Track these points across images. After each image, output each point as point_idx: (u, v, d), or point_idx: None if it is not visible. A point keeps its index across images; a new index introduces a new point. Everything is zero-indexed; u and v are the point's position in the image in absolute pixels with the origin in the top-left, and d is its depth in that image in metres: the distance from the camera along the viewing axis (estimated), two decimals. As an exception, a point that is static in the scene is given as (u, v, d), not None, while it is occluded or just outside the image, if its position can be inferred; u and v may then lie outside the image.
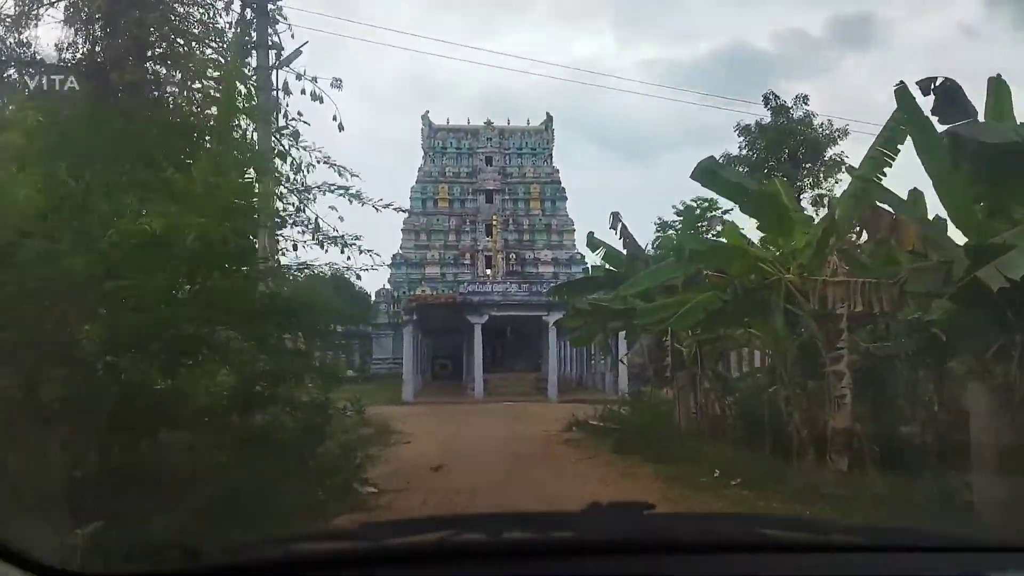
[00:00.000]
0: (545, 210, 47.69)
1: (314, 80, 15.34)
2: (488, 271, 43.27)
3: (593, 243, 13.44)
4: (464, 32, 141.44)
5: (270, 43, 13.53)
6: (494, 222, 46.26)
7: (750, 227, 10.12)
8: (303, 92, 15.22)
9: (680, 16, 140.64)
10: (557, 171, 48.71)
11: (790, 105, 23.54)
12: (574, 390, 30.96)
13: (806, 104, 23.68)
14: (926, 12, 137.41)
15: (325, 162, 13.21)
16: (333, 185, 11.46)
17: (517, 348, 34.32)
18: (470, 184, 47.94)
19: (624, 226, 13.09)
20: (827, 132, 22.87)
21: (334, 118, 15.54)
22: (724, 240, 9.67)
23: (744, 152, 22.78)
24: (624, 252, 13.62)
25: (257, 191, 9.90)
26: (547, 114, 49.80)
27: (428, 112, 49.35)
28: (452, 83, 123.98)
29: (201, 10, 13.82)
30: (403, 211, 14.54)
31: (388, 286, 46.67)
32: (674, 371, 11.16)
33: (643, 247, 13.36)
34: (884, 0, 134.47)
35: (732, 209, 13.76)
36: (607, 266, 13.08)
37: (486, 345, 28.71)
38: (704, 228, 20.03)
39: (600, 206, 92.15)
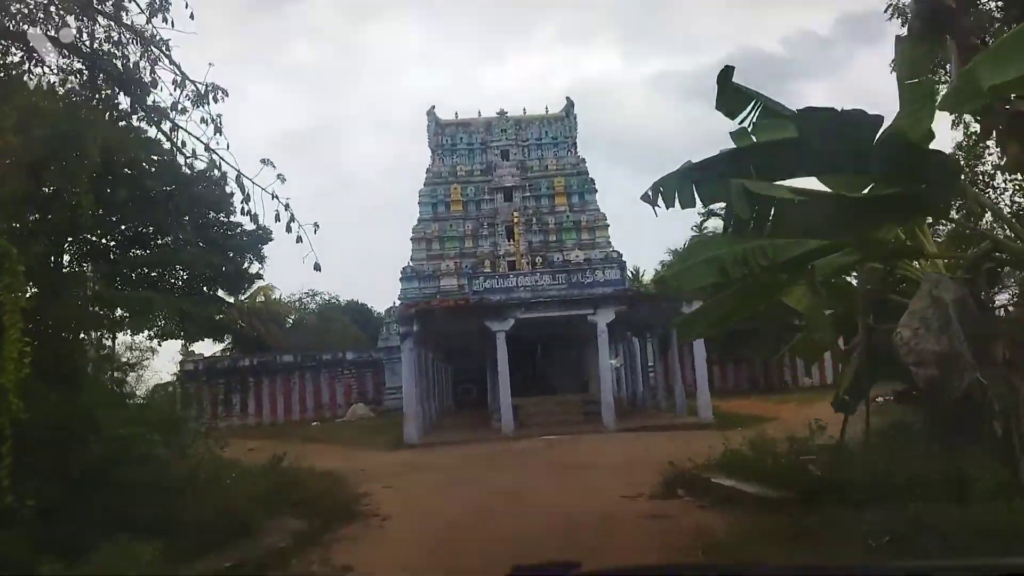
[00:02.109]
0: (573, 205, 39.56)
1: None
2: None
3: (731, 95, 5.28)
4: (473, 59, 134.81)
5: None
6: (515, 222, 38.22)
7: None
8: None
9: (685, 28, 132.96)
10: (583, 161, 40.66)
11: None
12: (630, 414, 22.55)
13: None
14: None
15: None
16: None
17: (555, 362, 26.01)
18: (485, 182, 40.09)
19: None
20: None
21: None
22: None
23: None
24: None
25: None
26: (567, 99, 41.95)
27: (434, 107, 41.78)
28: (466, 109, 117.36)
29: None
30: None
31: (399, 304, 38.86)
32: None
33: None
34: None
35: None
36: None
37: (515, 361, 20.48)
38: None
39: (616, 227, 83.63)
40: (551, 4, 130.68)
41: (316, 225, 8.23)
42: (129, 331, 30.72)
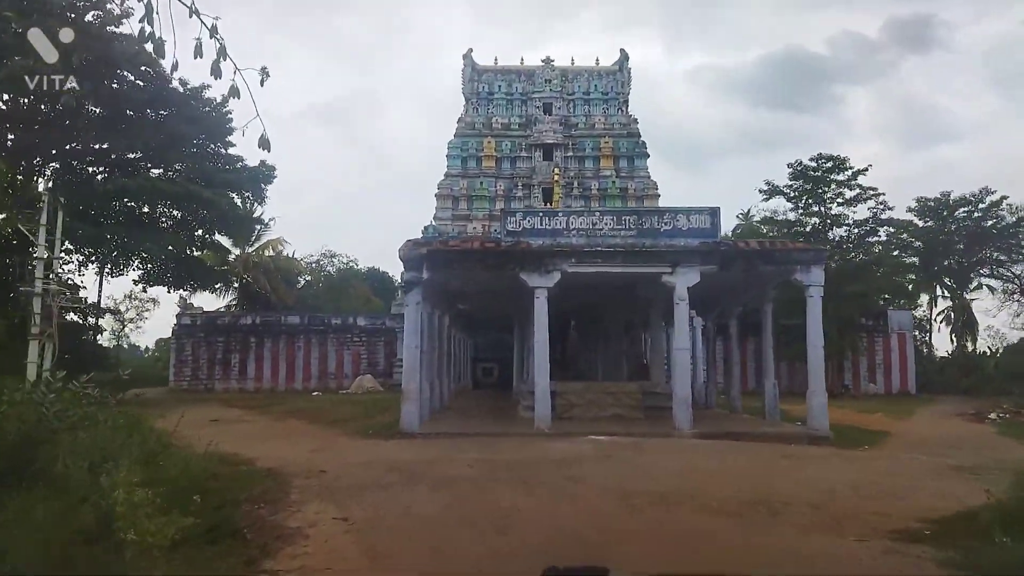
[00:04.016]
0: (620, 170, 33.96)
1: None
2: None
3: None
4: (515, 42, 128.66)
5: None
6: (555, 182, 32.76)
7: None
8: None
9: (729, 22, 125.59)
10: (635, 121, 34.94)
11: None
12: (696, 414, 16.95)
13: None
14: (987, 13, 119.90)
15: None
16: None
17: (603, 339, 20.53)
18: (523, 138, 34.61)
19: None
20: None
21: None
22: None
23: None
24: None
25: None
26: (621, 51, 36.13)
27: (471, 50, 36.25)
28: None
29: None
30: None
31: (407, 241, 33.56)
32: None
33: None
34: (942, 2, 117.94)
35: None
36: None
37: (552, 333, 15.04)
38: None
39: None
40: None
41: (264, 72, 3.15)
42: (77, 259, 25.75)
